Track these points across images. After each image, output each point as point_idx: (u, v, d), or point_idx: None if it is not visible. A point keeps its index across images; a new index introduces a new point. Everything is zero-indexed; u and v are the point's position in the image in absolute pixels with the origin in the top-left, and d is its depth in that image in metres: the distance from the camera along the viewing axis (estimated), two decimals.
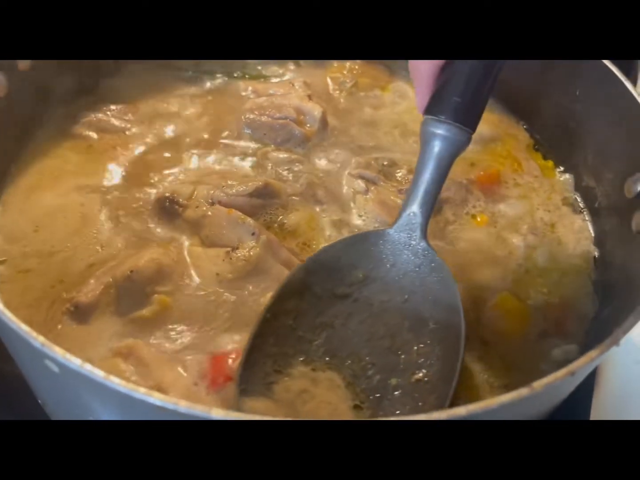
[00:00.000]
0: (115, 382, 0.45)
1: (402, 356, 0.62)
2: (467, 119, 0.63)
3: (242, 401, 0.59)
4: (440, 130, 0.63)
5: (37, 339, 0.46)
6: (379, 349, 0.62)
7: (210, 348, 0.64)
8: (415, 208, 0.65)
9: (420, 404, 0.59)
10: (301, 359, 0.62)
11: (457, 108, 0.63)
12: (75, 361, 0.46)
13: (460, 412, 0.46)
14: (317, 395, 0.61)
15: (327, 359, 0.62)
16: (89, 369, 0.45)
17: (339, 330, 0.64)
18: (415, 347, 0.62)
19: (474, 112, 0.64)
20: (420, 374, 0.61)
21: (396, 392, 0.60)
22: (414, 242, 0.65)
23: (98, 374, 0.45)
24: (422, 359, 0.61)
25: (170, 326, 0.65)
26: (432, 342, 0.62)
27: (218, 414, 0.44)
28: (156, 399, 0.45)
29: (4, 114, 0.75)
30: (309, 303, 0.65)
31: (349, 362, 0.62)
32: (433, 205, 0.65)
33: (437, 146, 0.64)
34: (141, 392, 0.45)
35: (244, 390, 0.60)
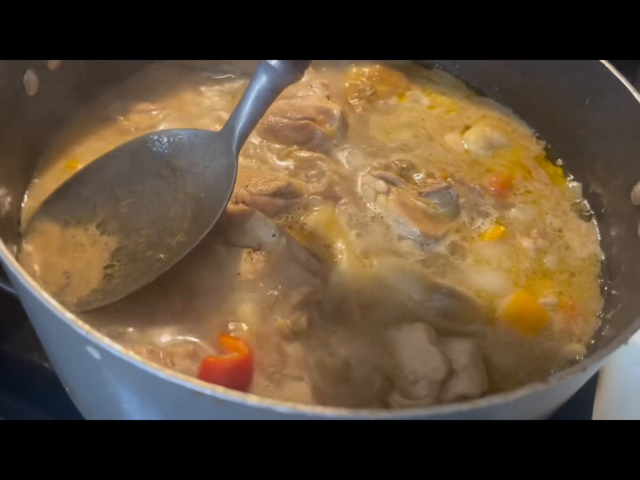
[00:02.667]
0: (155, 367, 0.48)
1: (167, 238, 0.70)
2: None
3: (37, 217, 0.72)
4: (274, 63, 0.68)
5: (83, 327, 0.49)
6: (160, 227, 0.71)
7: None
8: (237, 127, 0.73)
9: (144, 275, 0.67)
10: (98, 222, 0.72)
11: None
12: (118, 348, 0.49)
13: (480, 403, 0.49)
14: (86, 252, 0.71)
15: (118, 225, 0.72)
16: (131, 355, 0.48)
17: (144, 202, 0.73)
18: (179, 236, 0.70)
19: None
20: (162, 255, 0.69)
21: (141, 264, 0.69)
22: (227, 154, 0.73)
23: (139, 359, 0.48)
24: (176, 246, 0.69)
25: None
26: (189, 235, 0.69)
27: (253, 400, 0.47)
28: (194, 384, 0.47)
29: (35, 109, 0.78)
30: (135, 170, 0.74)
31: (133, 232, 0.71)
32: (250, 130, 0.73)
33: (266, 78, 0.69)
34: (179, 378, 0.48)
35: (47, 210, 0.73)
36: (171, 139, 0.76)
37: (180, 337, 0.65)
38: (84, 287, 0.68)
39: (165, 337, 0.65)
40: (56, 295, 0.66)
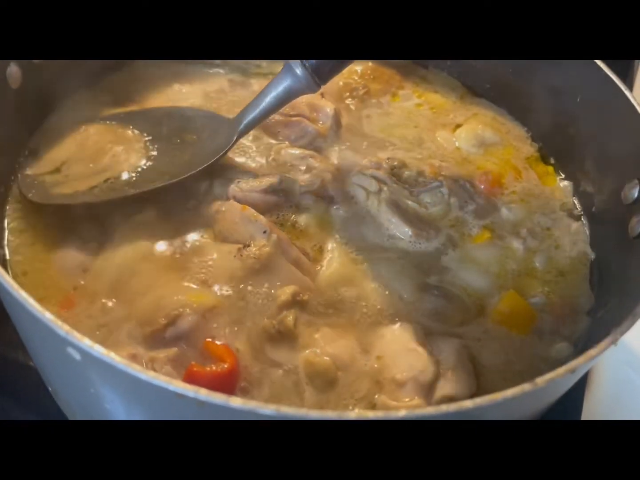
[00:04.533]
0: (137, 369, 0.47)
1: (146, 183, 0.77)
2: (322, 76, 0.75)
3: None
4: (299, 71, 0.74)
5: (62, 327, 0.48)
6: (146, 177, 0.77)
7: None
8: (248, 116, 0.79)
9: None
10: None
11: (322, 63, 0.73)
12: (98, 349, 0.48)
13: (467, 404, 0.48)
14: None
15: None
16: (112, 356, 0.47)
17: (147, 156, 0.80)
18: (156, 182, 0.77)
19: (331, 74, 0.76)
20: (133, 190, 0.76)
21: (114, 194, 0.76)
22: (229, 136, 0.80)
23: (120, 361, 0.47)
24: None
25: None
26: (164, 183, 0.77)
27: (237, 402, 0.46)
28: (176, 386, 0.47)
29: (19, 102, 0.77)
30: (153, 132, 0.83)
31: (125, 171, 0.78)
32: (257, 122, 0.80)
33: (287, 81, 0.75)
34: (161, 380, 0.47)
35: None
36: (191, 116, 0.85)
37: (162, 342, 0.64)
38: (75, 186, 0.75)
39: (147, 342, 0.64)
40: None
